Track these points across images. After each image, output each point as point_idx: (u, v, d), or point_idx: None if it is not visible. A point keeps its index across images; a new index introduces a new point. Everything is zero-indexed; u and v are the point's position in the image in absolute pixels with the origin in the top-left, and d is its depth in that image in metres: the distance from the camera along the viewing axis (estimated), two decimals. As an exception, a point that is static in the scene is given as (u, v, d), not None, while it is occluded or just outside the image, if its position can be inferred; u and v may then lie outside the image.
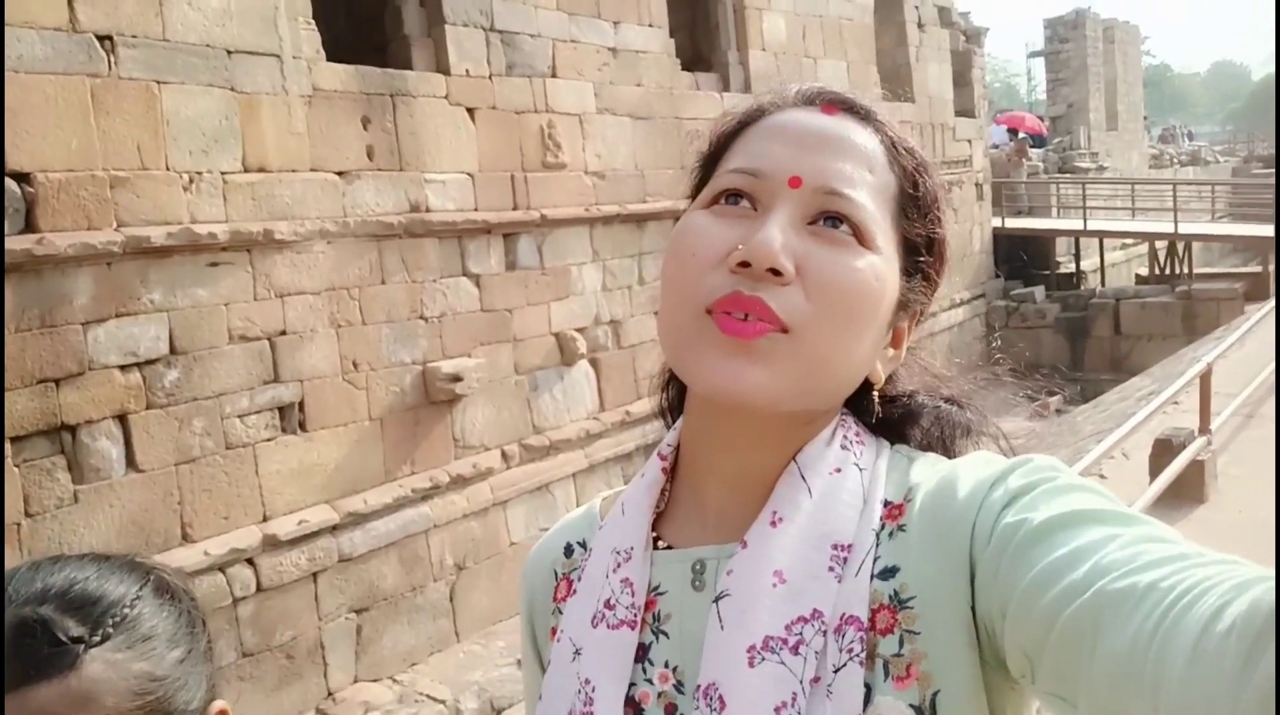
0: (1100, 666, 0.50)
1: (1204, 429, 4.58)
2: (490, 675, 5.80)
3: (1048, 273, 15.71)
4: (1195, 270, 15.80)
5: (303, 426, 5.47)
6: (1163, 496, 4.11)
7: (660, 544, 0.73)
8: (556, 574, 0.80)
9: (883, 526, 0.66)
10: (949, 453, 0.74)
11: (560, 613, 0.77)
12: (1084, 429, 6.71)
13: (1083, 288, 15.62)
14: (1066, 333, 14.26)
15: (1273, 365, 6.41)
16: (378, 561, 5.78)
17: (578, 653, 0.71)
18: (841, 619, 0.63)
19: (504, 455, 6.64)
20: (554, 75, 7.12)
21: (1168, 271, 15.88)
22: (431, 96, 6.23)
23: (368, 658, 5.71)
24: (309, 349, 5.49)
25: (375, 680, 5.72)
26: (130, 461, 4.70)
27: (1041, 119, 23.87)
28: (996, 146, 17.66)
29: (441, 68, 6.35)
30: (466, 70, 6.46)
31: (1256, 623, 0.43)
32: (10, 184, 4.24)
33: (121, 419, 4.67)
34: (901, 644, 0.62)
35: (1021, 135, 20.04)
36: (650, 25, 8.05)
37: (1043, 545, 0.56)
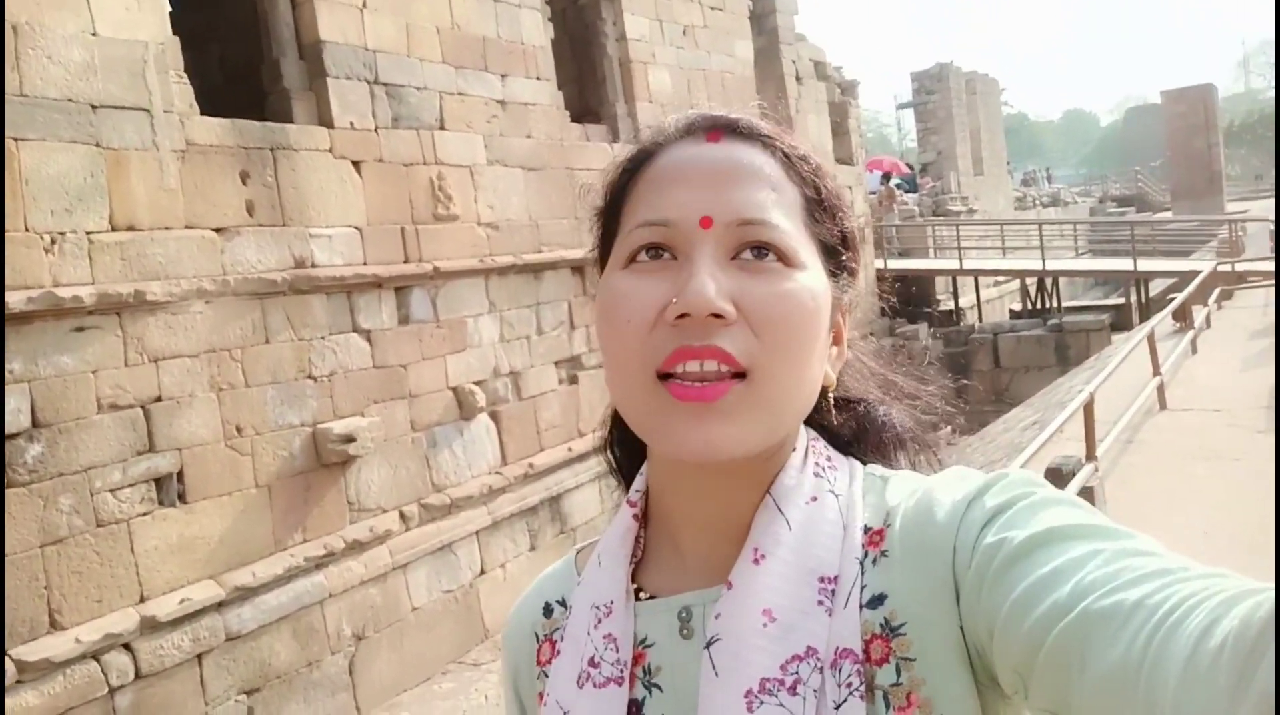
0: (1091, 685, 0.50)
1: (1090, 456, 4.76)
2: (395, 751, 5.50)
3: (929, 311, 16.35)
4: (1064, 304, 16.72)
5: (182, 497, 5.15)
6: (1056, 522, 4.22)
7: (642, 594, 0.71)
8: (538, 636, 0.78)
9: (865, 554, 0.65)
10: (890, 463, 0.75)
11: (545, 676, 0.74)
12: (974, 460, 6.92)
13: (962, 324, 16.31)
14: (950, 368, 14.81)
15: (1150, 388, 6.78)
16: (269, 637, 5.45)
17: None
18: (836, 653, 0.62)
19: (403, 516, 6.40)
20: (442, 128, 7.05)
21: (1038, 306, 16.75)
22: (315, 150, 6.07)
23: (261, 742, 5.34)
24: (187, 415, 5.20)
25: (269, 766, 5.35)
26: (-13, 546, 4.31)
27: (909, 165, 25.03)
28: (873, 192, 18.41)
29: (324, 121, 6.20)
30: (351, 123, 6.33)
31: (1249, 638, 0.42)
32: None
33: (-23, 500, 4.29)
34: (899, 672, 0.61)
35: (894, 180, 20.97)
36: (538, 78, 8.09)
37: (1024, 564, 0.56)
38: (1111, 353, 8.32)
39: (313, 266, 5.95)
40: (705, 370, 0.62)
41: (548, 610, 0.79)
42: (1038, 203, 29.04)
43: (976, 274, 17.14)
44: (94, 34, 4.93)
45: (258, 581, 5.38)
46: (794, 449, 0.70)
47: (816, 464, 0.70)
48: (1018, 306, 17.71)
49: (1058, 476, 4.27)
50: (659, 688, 0.67)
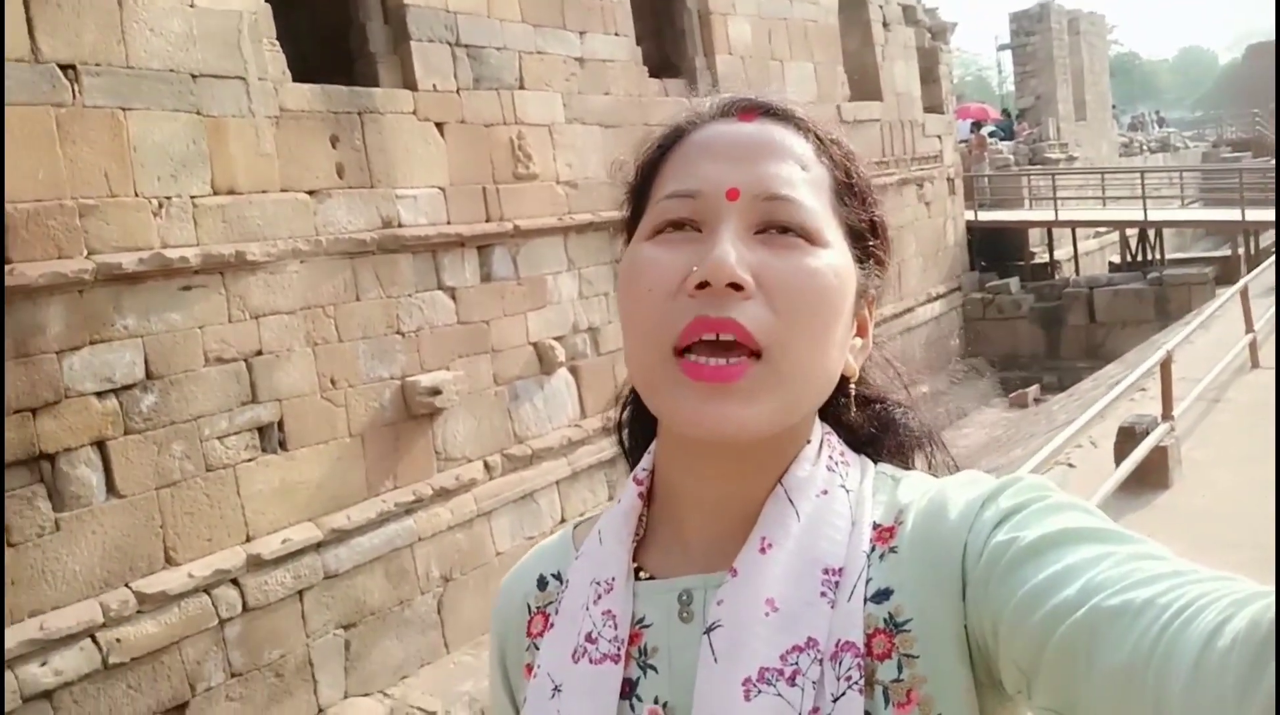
0: (1098, 683, 0.50)
1: (1166, 415, 4.65)
2: (481, 685, 5.82)
3: (1022, 264, 15.87)
4: (1167, 256, 16.00)
5: (283, 445, 5.49)
6: (1128, 483, 4.17)
7: (642, 574, 0.70)
8: (530, 608, 0.77)
9: (873, 549, 0.65)
10: (906, 464, 0.76)
11: (536, 648, 0.74)
12: (1058, 417, 6.80)
13: (1057, 277, 15.78)
14: (1042, 323, 14.41)
15: (1240, 346, 6.53)
16: (363, 577, 5.80)
17: (557, 689, 0.68)
18: (837, 646, 0.61)
19: (486, 466, 6.68)
20: (522, 87, 7.17)
21: (1140, 258, 16.06)
22: (399, 113, 6.27)
23: (357, 673, 5.73)
24: (286, 368, 5.52)
25: (366, 695, 5.74)
26: (110, 487, 4.71)
27: (1004, 111, 24.04)
28: (963, 141, 17.83)
29: (408, 84, 6.39)
30: (434, 85, 6.51)
31: (1257, 639, 0.42)
32: (-22, 216, 4.26)
33: (100, 445, 4.68)
34: (900, 669, 0.61)
35: (986, 128, 20.22)
36: (616, 34, 8.11)
37: (1034, 563, 0.56)
38: (1207, 308, 8.00)
39: (399, 226, 6.18)
40: (722, 342, 0.62)
41: (542, 583, 0.78)
42: (1145, 149, 27.61)
43: (1073, 225, 16.50)
44: (192, 5, 5.19)
45: (352, 525, 5.72)
46: (809, 441, 0.70)
47: (830, 458, 0.70)
48: (1117, 259, 17.02)
49: (1130, 436, 4.21)
50: (654, 669, 0.67)
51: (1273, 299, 8.23)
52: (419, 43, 6.43)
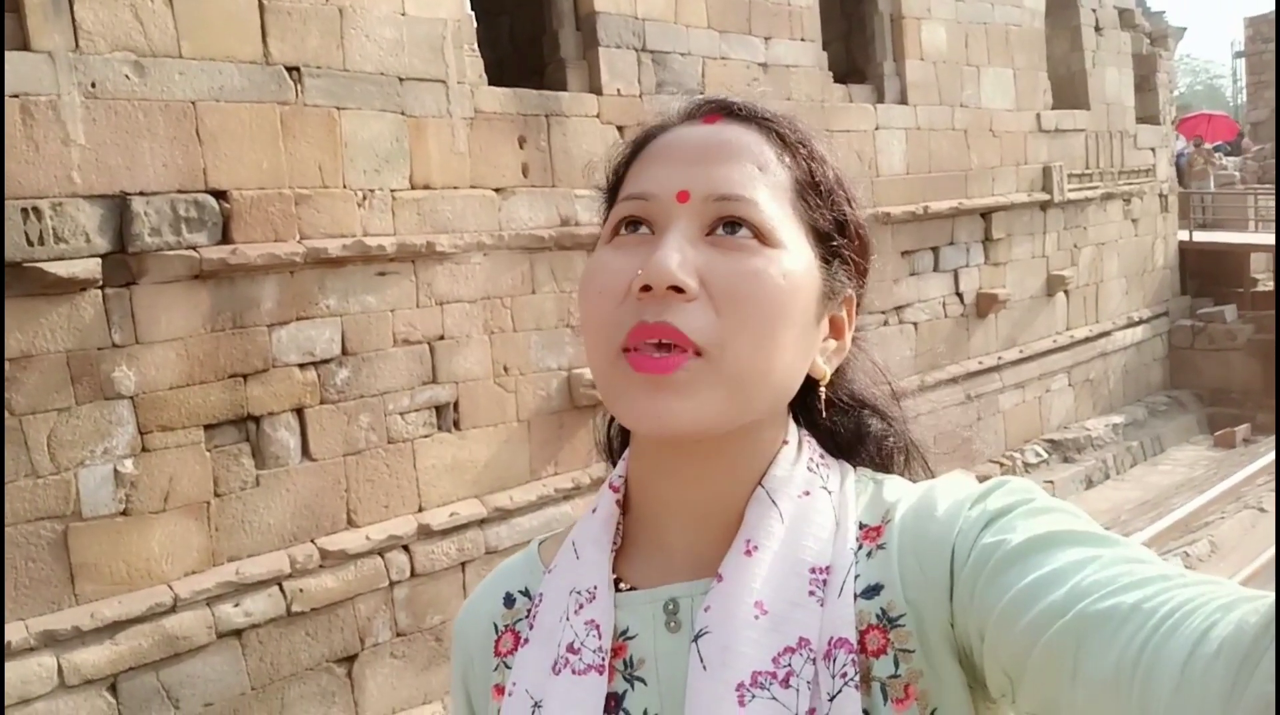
0: (1084, 688, 0.50)
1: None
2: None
3: (1241, 291, 14.50)
4: None
5: (456, 425, 5.85)
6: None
7: (622, 585, 0.69)
8: (497, 627, 0.75)
9: (860, 546, 0.65)
10: (886, 470, 0.75)
11: (506, 667, 0.72)
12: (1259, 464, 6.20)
13: (1283, 307, 14.31)
14: (1260, 356, 13.11)
15: None
16: (522, 556, 6.08)
17: (537, 705, 0.66)
18: (830, 644, 0.61)
19: (645, 461, 6.83)
20: (703, 92, 7.26)
21: (1385, 290, 14.30)
22: (584, 116, 6.53)
23: (510, 647, 6.02)
24: (464, 353, 5.88)
25: (516, 669, 6.02)
26: (305, 451, 5.19)
27: (1234, 121, 21.99)
28: (1181, 155, 16.49)
29: (594, 88, 6.63)
30: (618, 90, 6.72)
31: (1244, 644, 0.43)
32: (210, 199, 4.80)
33: (299, 412, 5.17)
34: (897, 664, 0.60)
35: (1212, 145, 18.58)
36: (802, 39, 8.09)
37: (1021, 565, 0.56)
38: None
39: (575, 225, 6.44)
40: (663, 345, 0.62)
41: (509, 600, 0.76)
42: (1404, 168, 24.53)
43: (1305, 250, 14.91)
44: (403, 14, 5.61)
45: (514, 505, 6.02)
46: (786, 442, 0.70)
47: (810, 460, 0.70)
48: (1358, 290, 15.22)
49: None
50: (642, 681, 0.65)
51: None
52: (606, 48, 6.66)
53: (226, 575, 4.80)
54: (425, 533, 5.58)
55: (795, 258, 0.66)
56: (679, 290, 0.62)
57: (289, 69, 5.09)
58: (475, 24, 6.08)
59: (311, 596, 5.09)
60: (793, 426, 0.71)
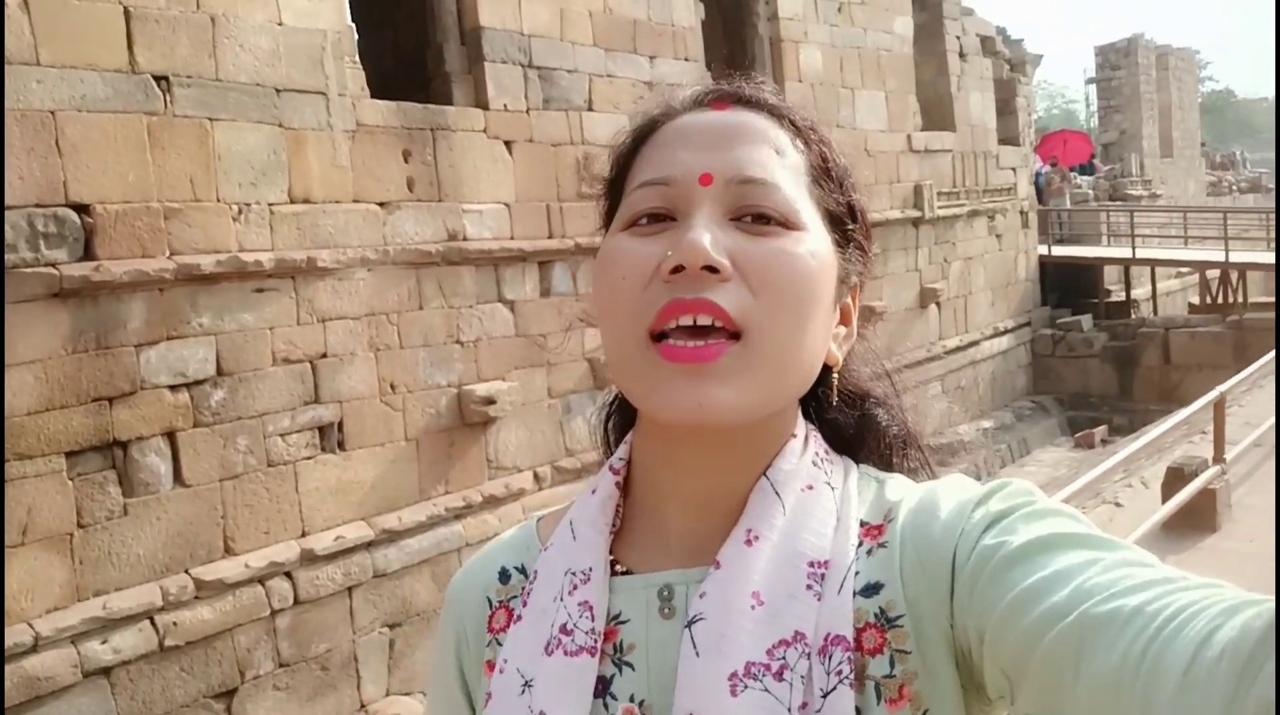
0: (1085, 690, 0.49)
1: (1218, 458, 4.55)
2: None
3: (1096, 301, 15.49)
4: (1250, 300, 15.46)
5: (341, 446, 5.69)
6: (1175, 524, 4.09)
7: (618, 568, 0.68)
8: (491, 602, 0.74)
9: (861, 544, 0.64)
10: (887, 468, 0.75)
11: (498, 644, 0.71)
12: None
13: (1133, 316, 15.37)
14: (1114, 362, 14.04)
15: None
16: (411, 578, 5.96)
17: (528, 685, 0.65)
18: (826, 640, 0.60)
19: (536, 476, 6.80)
20: (590, 109, 7.33)
21: (1220, 301, 15.57)
22: (470, 130, 6.48)
23: (400, 671, 5.88)
24: (348, 371, 5.73)
25: (407, 694, 5.88)
26: (177, 476, 4.95)
27: (1091, 144, 23.56)
28: (1040, 174, 17.54)
29: (481, 103, 6.60)
30: (505, 105, 6.71)
31: (1247, 647, 0.43)
32: (70, 214, 4.55)
33: (170, 436, 4.93)
34: (893, 664, 0.59)
35: (1069, 168, 19.82)
36: (686, 59, 8.25)
37: (1022, 567, 0.55)
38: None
39: (464, 239, 6.38)
40: (699, 325, 0.60)
41: (504, 575, 0.75)
42: (1235, 188, 26.74)
43: (1151, 264, 16.06)
44: (280, 24, 5.46)
45: (403, 526, 5.89)
46: (794, 435, 0.69)
47: (816, 454, 0.69)
48: (1197, 301, 16.50)
49: (1178, 476, 4.12)
50: (631, 666, 0.64)
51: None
52: (493, 64, 6.64)
53: (93, 610, 4.53)
54: (309, 558, 5.40)
55: (819, 240, 0.66)
56: (713, 270, 0.61)
57: (157, 78, 4.88)
58: (357, 36, 5.97)
59: (186, 630, 4.85)
60: (801, 419, 0.71)
